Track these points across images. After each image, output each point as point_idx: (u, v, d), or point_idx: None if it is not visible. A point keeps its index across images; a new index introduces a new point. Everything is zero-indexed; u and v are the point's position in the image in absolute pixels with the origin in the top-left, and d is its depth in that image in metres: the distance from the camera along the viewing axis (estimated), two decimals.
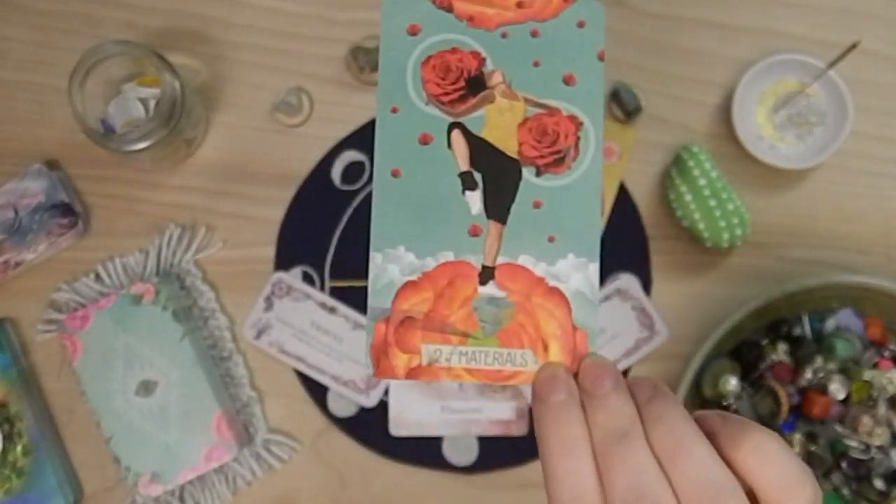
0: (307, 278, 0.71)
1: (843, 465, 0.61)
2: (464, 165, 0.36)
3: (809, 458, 0.62)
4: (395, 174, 0.36)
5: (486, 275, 0.35)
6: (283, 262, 0.71)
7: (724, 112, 0.71)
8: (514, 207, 0.36)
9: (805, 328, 0.65)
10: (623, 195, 0.70)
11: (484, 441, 0.69)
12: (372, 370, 0.35)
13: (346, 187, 0.71)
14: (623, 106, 0.70)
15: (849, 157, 0.70)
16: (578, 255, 0.36)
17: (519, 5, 0.37)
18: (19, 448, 0.68)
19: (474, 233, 0.35)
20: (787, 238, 0.71)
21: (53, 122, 0.72)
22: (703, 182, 0.67)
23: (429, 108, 0.36)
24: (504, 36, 0.36)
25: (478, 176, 0.36)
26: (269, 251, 0.71)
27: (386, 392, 0.69)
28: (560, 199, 0.36)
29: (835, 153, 0.69)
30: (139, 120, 0.69)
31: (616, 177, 0.70)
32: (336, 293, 0.70)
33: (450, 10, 0.36)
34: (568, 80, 0.36)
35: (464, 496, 0.69)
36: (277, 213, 0.71)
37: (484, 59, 0.36)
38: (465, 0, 0.37)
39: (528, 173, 0.36)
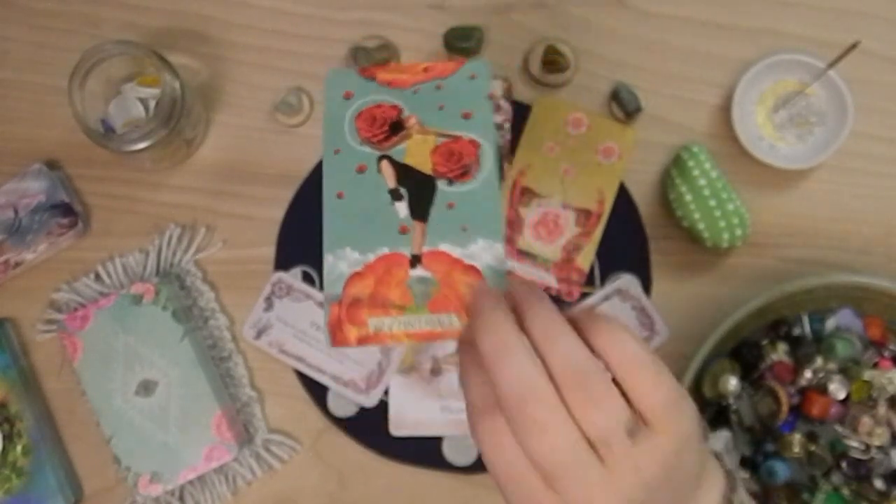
0: (307, 278, 0.71)
1: (843, 465, 0.61)
2: (392, 184, 0.46)
3: (809, 458, 0.62)
4: (339, 196, 0.46)
5: (415, 261, 0.44)
6: (283, 262, 0.71)
7: (724, 112, 0.71)
8: (433, 209, 0.45)
9: (805, 328, 0.65)
10: (623, 195, 0.70)
11: None
12: (329, 341, 0.44)
13: None
14: (623, 106, 0.70)
15: (849, 157, 0.70)
16: (486, 239, 0.44)
17: (426, 70, 0.49)
18: (19, 448, 0.68)
19: (403, 231, 0.45)
20: (787, 238, 0.71)
21: (53, 122, 0.72)
22: (702, 182, 0.67)
23: (363, 147, 0.47)
24: (416, 91, 0.48)
25: (403, 190, 0.46)
26: (269, 251, 0.71)
27: (386, 392, 0.69)
28: (468, 199, 0.45)
29: (835, 153, 0.69)
30: (139, 120, 0.69)
31: (616, 177, 0.70)
32: None
33: (373, 79, 0.49)
34: (466, 116, 0.47)
35: (464, 496, 0.69)
36: (277, 213, 0.71)
37: (402, 110, 0.48)
38: (385, 70, 0.49)
39: (442, 184, 0.46)
